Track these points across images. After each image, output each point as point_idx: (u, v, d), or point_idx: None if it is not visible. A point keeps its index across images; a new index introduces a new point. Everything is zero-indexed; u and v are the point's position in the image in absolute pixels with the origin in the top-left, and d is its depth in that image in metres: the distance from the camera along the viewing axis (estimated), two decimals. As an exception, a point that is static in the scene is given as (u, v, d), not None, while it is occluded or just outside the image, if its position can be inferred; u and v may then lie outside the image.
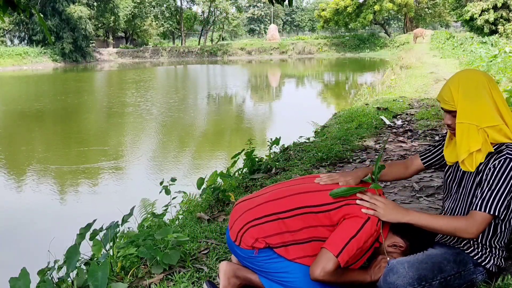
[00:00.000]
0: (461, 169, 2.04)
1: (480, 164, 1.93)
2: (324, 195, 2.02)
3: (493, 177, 1.85)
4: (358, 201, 1.95)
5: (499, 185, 1.83)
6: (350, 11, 49.17)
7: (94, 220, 2.84)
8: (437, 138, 5.93)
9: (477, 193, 1.88)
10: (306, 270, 1.98)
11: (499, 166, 1.85)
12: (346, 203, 1.96)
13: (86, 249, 2.90)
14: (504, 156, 1.86)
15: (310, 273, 1.91)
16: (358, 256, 1.95)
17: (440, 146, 2.24)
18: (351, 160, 4.96)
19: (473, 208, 1.86)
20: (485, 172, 1.89)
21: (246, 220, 2.06)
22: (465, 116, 1.92)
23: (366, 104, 10.01)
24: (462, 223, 1.85)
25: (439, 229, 1.91)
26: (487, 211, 1.83)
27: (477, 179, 1.95)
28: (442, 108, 2.04)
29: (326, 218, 1.96)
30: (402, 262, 1.93)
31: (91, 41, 45.81)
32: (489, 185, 1.85)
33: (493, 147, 1.92)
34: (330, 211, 1.96)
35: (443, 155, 2.20)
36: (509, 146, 1.89)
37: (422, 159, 2.28)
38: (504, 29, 29.78)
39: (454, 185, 2.11)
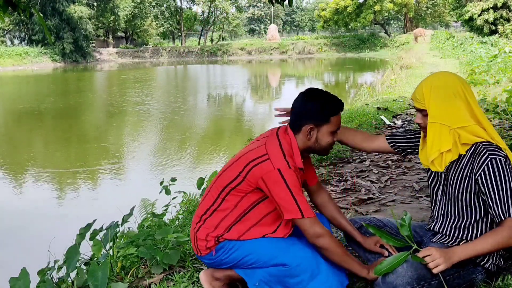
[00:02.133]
0: (443, 174, 2.07)
1: (463, 169, 1.95)
2: (234, 167, 2.03)
3: (494, 182, 1.86)
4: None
5: (504, 187, 1.84)
6: (350, 11, 49.17)
7: (94, 220, 2.84)
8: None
9: (490, 203, 1.88)
10: (264, 244, 2.01)
11: (492, 171, 1.86)
12: (254, 164, 1.97)
13: (86, 249, 2.90)
14: (489, 159, 1.87)
15: (313, 245, 1.96)
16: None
17: (411, 135, 2.27)
18: (351, 160, 4.96)
19: (499, 219, 1.86)
20: (475, 178, 1.90)
21: (192, 228, 2.15)
22: (437, 116, 1.95)
23: (366, 104, 10.01)
24: (505, 235, 1.84)
25: (491, 251, 1.89)
26: (510, 216, 1.84)
27: (464, 184, 1.96)
28: (414, 107, 2.07)
29: (247, 185, 1.99)
30: (401, 262, 1.93)
31: (91, 41, 45.79)
32: (497, 192, 1.85)
33: (469, 148, 1.95)
34: (245, 178, 1.98)
35: (410, 144, 2.25)
36: (485, 145, 1.91)
37: (388, 141, 2.30)
38: (504, 29, 29.79)
39: (438, 191, 2.13)
